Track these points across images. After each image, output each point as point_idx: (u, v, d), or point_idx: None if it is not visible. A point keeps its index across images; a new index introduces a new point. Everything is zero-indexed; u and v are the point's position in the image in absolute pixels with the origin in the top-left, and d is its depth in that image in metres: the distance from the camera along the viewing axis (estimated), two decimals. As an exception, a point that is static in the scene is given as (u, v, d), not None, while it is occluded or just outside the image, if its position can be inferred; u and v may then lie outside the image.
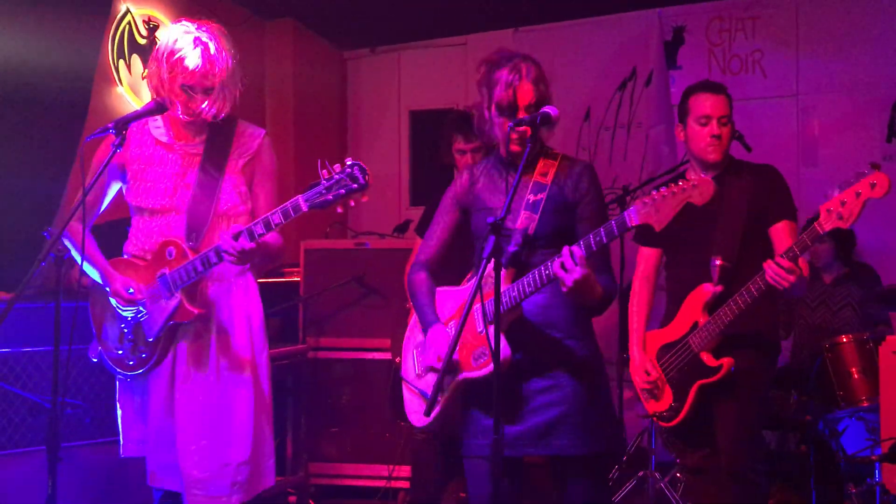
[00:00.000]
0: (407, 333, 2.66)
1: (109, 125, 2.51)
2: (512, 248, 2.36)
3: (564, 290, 2.22)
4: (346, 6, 5.87)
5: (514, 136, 2.39)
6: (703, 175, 3.15)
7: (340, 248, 4.80)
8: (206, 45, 2.62)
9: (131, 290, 2.67)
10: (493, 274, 2.33)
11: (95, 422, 3.54)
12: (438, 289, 2.56)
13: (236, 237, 2.49)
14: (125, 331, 2.74)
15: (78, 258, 2.68)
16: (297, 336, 4.76)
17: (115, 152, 2.51)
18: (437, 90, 6.47)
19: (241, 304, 2.76)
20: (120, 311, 2.73)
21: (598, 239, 2.23)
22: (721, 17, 5.60)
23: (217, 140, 2.74)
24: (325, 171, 2.38)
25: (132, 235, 2.78)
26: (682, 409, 3.05)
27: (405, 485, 4.60)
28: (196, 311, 2.63)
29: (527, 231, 2.38)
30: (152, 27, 5.03)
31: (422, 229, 4.33)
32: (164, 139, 2.77)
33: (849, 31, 5.23)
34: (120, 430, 2.82)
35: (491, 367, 2.25)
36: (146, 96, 4.96)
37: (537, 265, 2.31)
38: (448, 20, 6.17)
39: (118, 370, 2.76)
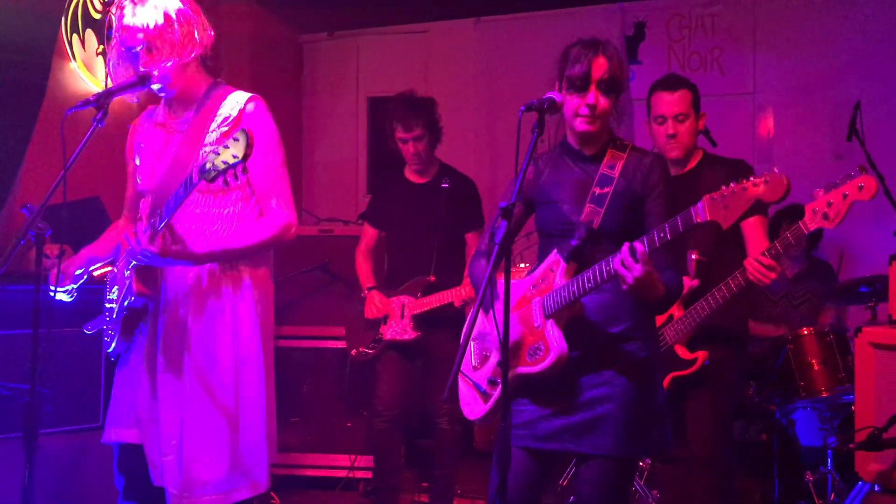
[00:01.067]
0: (466, 324, 2.55)
1: (91, 98, 2.39)
2: (574, 242, 2.31)
3: (625, 287, 2.17)
4: (304, -12, 5.78)
5: (585, 112, 2.33)
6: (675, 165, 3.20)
7: (304, 234, 4.71)
8: (146, 5, 2.50)
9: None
10: (553, 267, 2.34)
11: (58, 410, 3.39)
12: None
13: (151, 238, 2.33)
14: (108, 307, 2.66)
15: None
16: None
17: (95, 126, 2.37)
18: (397, 77, 6.38)
19: (227, 293, 2.54)
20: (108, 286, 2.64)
21: (661, 235, 2.16)
22: (681, 13, 5.68)
23: (202, 112, 2.57)
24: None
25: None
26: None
27: (367, 475, 4.56)
28: (139, 291, 2.48)
29: (591, 225, 2.33)
30: (107, 2, 4.84)
31: (369, 215, 4.30)
32: (160, 119, 2.67)
33: (805, 31, 5.37)
34: (107, 412, 2.68)
35: (545, 363, 2.25)
36: (100, 73, 4.78)
37: (599, 261, 2.25)
38: (409, 8, 6.11)
39: (105, 346, 2.69)
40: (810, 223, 2.47)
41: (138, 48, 2.50)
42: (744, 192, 2.07)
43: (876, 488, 2.99)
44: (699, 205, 2.13)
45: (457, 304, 3.91)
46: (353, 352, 4.15)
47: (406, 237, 4.13)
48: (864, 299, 3.97)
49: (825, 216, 2.36)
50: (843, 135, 4.34)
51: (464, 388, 2.56)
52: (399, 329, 4.00)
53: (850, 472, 3.75)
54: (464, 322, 2.59)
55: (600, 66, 2.32)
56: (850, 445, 2.80)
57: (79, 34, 4.66)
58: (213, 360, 2.52)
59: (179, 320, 2.53)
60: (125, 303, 2.52)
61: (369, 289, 4.13)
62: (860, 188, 2.24)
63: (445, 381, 3.84)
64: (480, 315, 2.55)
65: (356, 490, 4.59)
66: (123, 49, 2.54)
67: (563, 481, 4.42)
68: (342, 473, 4.58)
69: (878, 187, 2.24)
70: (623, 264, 2.14)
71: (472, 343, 2.55)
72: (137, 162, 2.69)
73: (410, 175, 4.18)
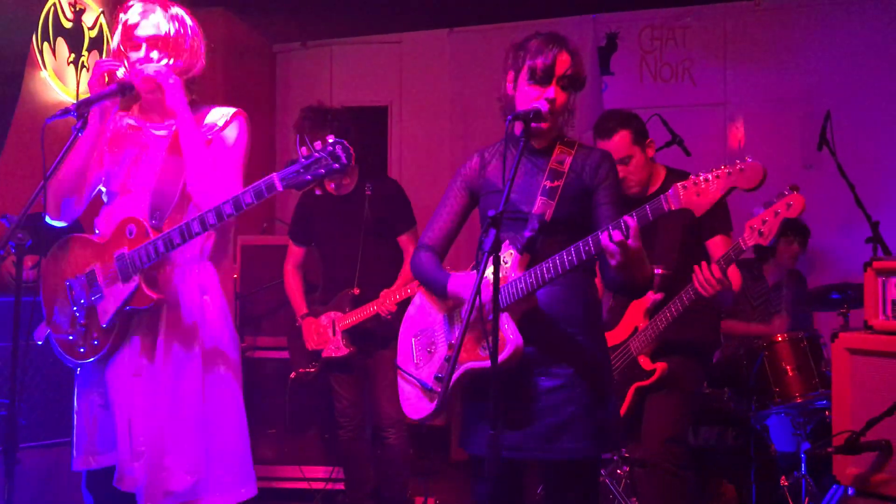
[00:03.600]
0: (404, 324, 2.56)
1: (71, 107, 2.36)
2: (528, 234, 2.28)
3: (614, 262, 2.10)
4: (278, -2, 5.76)
5: (544, 107, 2.31)
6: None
7: (279, 244, 4.66)
8: (151, 8, 2.54)
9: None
10: (506, 259, 2.30)
11: (30, 424, 3.32)
12: (452, 273, 2.46)
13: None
14: (77, 315, 2.54)
15: None
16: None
17: (76, 135, 2.36)
18: (370, 87, 6.42)
19: (193, 295, 2.56)
20: (73, 292, 2.56)
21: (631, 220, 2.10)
22: (653, 25, 5.76)
23: None
24: (303, 147, 2.22)
25: (96, 223, 2.62)
26: (620, 408, 3.18)
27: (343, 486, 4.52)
28: (155, 297, 2.44)
29: (543, 217, 2.31)
30: (78, 10, 4.79)
31: (293, 234, 4.18)
32: (134, 122, 2.65)
33: (775, 42, 5.47)
34: (74, 439, 2.60)
35: (502, 356, 2.18)
36: (71, 82, 4.72)
37: (550, 253, 2.23)
38: (383, 18, 6.12)
39: (67, 356, 2.57)
40: (749, 239, 2.60)
41: (152, 53, 2.50)
42: (717, 180, 2.07)
43: (850, 492, 3.03)
44: (670, 192, 2.11)
45: (384, 315, 3.83)
46: (293, 374, 4.11)
47: (334, 250, 4.03)
48: (836, 305, 4.03)
49: (760, 233, 2.48)
50: (814, 145, 4.42)
51: (406, 387, 2.50)
52: (333, 347, 3.95)
53: (824, 476, 3.82)
54: (396, 333, 2.58)
55: (564, 62, 2.32)
56: (829, 449, 2.84)
57: (49, 43, 4.60)
58: (182, 364, 2.51)
59: (152, 324, 2.52)
60: (127, 309, 2.46)
61: (303, 316, 4.06)
62: (788, 206, 2.33)
63: (390, 392, 3.90)
64: (422, 311, 2.52)
65: (333, 503, 4.54)
66: (124, 48, 2.53)
67: (541, 490, 4.43)
68: (319, 485, 4.54)
69: (804, 205, 2.30)
70: (610, 238, 2.08)
71: (413, 340, 2.51)
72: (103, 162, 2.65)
73: (331, 188, 4.01)
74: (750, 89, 5.54)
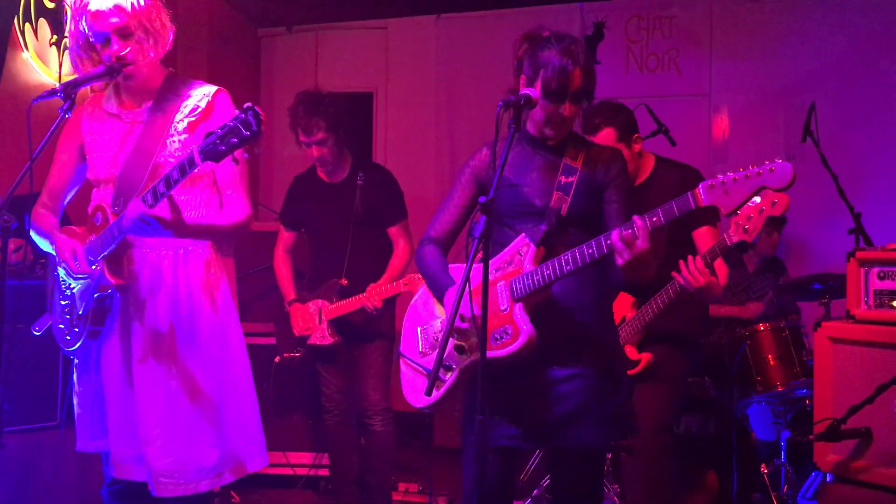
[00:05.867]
0: (409, 312, 2.58)
1: (58, 88, 2.33)
2: (545, 227, 2.33)
3: (621, 262, 2.15)
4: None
5: (559, 122, 2.36)
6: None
7: (265, 230, 4.65)
8: None
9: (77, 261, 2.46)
10: (522, 251, 2.32)
11: (13, 408, 3.30)
12: (451, 265, 2.48)
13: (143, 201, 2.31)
14: (64, 304, 2.56)
15: (42, 243, 2.50)
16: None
17: (63, 117, 2.33)
18: (356, 73, 6.40)
19: (199, 275, 2.56)
20: (64, 283, 2.55)
21: (654, 219, 2.15)
22: (640, 15, 5.78)
23: (163, 103, 2.55)
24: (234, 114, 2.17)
25: (88, 210, 2.60)
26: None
27: (327, 473, 4.53)
28: (113, 281, 2.44)
29: (560, 211, 2.35)
30: (61, -10, 4.73)
31: (285, 219, 4.17)
32: (113, 110, 2.61)
33: (760, 34, 5.51)
34: (75, 421, 2.62)
35: (515, 346, 2.22)
36: (53, 63, 4.66)
37: (564, 247, 2.27)
38: (369, 3, 6.10)
39: (61, 345, 2.59)
40: (734, 235, 2.63)
41: (110, 33, 2.44)
42: (747, 180, 2.09)
43: (829, 478, 3.08)
44: (699, 189, 2.13)
45: (369, 310, 3.83)
46: (277, 358, 4.12)
47: (324, 238, 4.02)
48: (818, 295, 4.08)
49: (745, 230, 2.52)
50: (797, 135, 4.45)
51: (409, 374, 2.51)
52: (318, 335, 3.95)
53: (803, 464, 3.87)
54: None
55: (577, 79, 2.34)
56: (810, 437, 2.88)
57: (31, 23, 4.53)
58: (197, 342, 2.52)
59: (157, 308, 2.52)
60: (95, 296, 2.46)
61: (290, 302, 4.05)
62: (773, 204, 2.34)
63: (375, 381, 3.92)
64: (428, 302, 2.54)
65: (317, 489, 4.55)
66: (90, 34, 2.47)
67: (524, 476, 4.46)
68: (303, 471, 4.54)
69: (788, 203, 2.32)
70: (622, 238, 2.13)
71: (419, 329, 2.53)
72: (84, 152, 2.63)
73: (323, 175, 4.02)
74: (735, 80, 5.58)
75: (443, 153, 6.14)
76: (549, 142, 2.46)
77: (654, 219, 2.16)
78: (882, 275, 2.95)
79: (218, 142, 2.16)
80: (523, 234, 2.37)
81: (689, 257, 2.99)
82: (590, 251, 2.22)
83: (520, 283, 2.31)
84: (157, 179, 2.34)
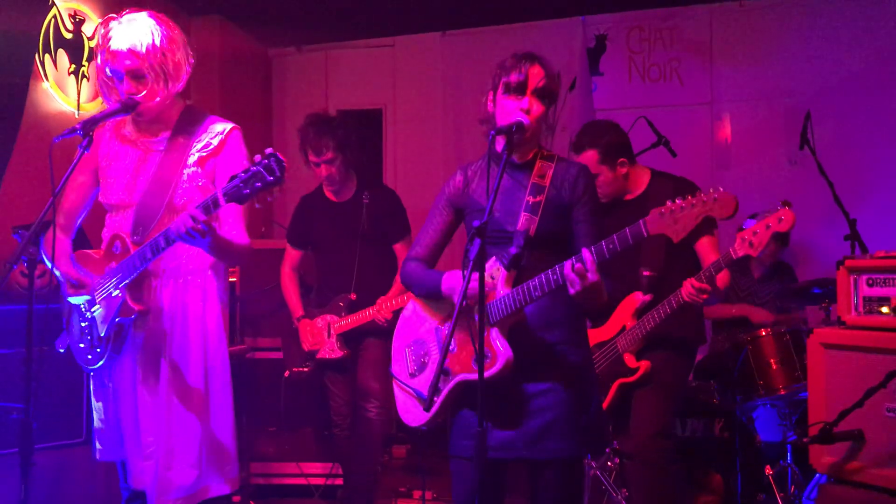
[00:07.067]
0: (397, 332, 2.65)
1: (77, 126, 2.47)
2: (514, 250, 2.35)
3: (572, 292, 2.21)
4: (272, 3, 5.84)
5: (522, 117, 2.39)
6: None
7: (277, 247, 4.79)
8: (134, 28, 2.57)
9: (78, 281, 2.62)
10: (493, 275, 2.37)
11: (41, 426, 3.44)
12: (445, 272, 2.52)
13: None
14: (83, 325, 2.71)
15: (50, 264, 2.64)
16: (233, 337, 4.73)
17: (82, 153, 2.48)
18: (365, 90, 6.52)
19: (196, 304, 2.69)
20: (84, 306, 2.69)
21: (611, 247, 2.21)
22: (641, 26, 5.86)
23: (181, 134, 2.69)
24: (257, 155, 2.25)
25: (102, 235, 2.75)
26: (603, 402, 3.30)
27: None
28: (136, 308, 2.57)
29: (528, 233, 2.38)
30: (78, 21, 4.89)
31: (291, 238, 4.32)
32: (130, 136, 2.74)
33: (760, 43, 5.58)
34: (94, 434, 2.78)
35: (494, 369, 2.28)
36: (72, 92, 4.83)
37: (536, 267, 2.31)
38: (376, 21, 6.21)
39: (82, 364, 2.74)
40: (739, 249, 2.75)
41: (123, 74, 2.59)
42: (692, 209, 2.17)
43: (823, 480, 3.16)
44: (648, 218, 2.21)
45: (380, 322, 3.95)
46: (287, 373, 4.24)
47: (330, 255, 4.16)
48: (818, 300, 4.15)
49: (751, 244, 2.61)
50: (797, 142, 4.53)
51: (402, 396, 2.59)
52: (327, 349, 4.08)
53: (809, 465, 3.93)
54: (391, 334, 2.68)
55: (536, 74, 2.42)
56: (805, 440, 2.96)
57: (51, 54, 4.71)
58: (186, 367, 2.66)
59: (157, 332, 2.66)
60: (117, 320, 2.60)
61: (299, 318, 4.18)
62: (780, 220, 2.47)
63: (374, 370, 3.99)
64: (415, 320, 2.61)
65: (334, 498, 4.67)
66: (109, 71, 2.61)
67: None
68: (320, 481, 4.66)
69: (794, 220, 2.44)
70: (573, 270, 2.19)
71: (406, 350, 2.60)
72: (98, 176, 2.76)
73: (330, 194, 4.18)
74: (736, 88, 5.65)
75: (451, 167, 6.22)
76: (518, 159, 2.50)
77: (611, 246, 2.22)
78: (871, 282, 3.02)
79: (242, 185, 2.24)
80: (493, 258, 2.40)
81: (693, 280, 3.10)
82: (554, 277, 2.27)
83: (494, 308, 2.35)
84: (171, 212, 2.47)
